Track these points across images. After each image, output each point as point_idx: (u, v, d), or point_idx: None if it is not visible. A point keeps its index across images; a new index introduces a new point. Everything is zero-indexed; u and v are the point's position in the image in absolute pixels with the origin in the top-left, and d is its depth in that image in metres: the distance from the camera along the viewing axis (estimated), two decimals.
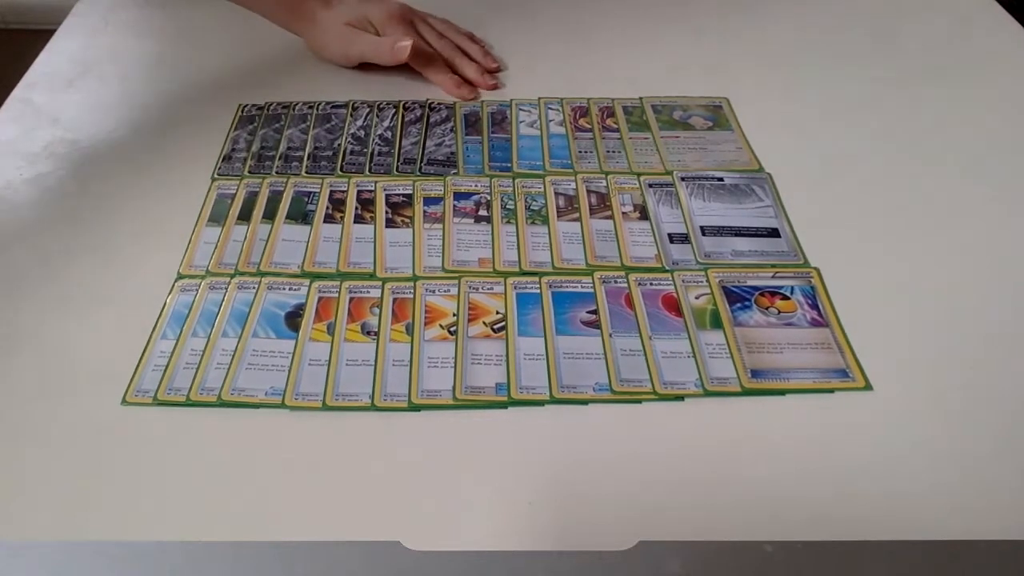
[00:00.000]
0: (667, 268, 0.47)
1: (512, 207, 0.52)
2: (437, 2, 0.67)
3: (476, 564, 0.34)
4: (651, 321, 0.44)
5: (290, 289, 0.46)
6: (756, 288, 0.46)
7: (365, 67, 0.64)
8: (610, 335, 0.43)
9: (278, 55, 0.66)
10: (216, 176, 0.54)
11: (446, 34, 0.65)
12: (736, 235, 0.49)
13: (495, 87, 0.63)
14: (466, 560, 0.34)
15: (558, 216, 0.51)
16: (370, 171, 0.55)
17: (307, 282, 0.46)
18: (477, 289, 0.46)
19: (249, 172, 0.55)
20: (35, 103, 0.62)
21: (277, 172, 0.55)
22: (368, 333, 0.44)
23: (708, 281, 0.46)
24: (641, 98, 0.61)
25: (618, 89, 0.62)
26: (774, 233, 0.50)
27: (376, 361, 0.42)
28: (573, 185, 0.53)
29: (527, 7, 0.72)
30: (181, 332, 0.44)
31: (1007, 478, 0.37)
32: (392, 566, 0.34)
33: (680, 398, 0.40)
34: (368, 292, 0.46)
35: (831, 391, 0.41)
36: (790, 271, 0.47)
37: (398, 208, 0.52)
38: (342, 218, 0.51)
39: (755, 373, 0.41)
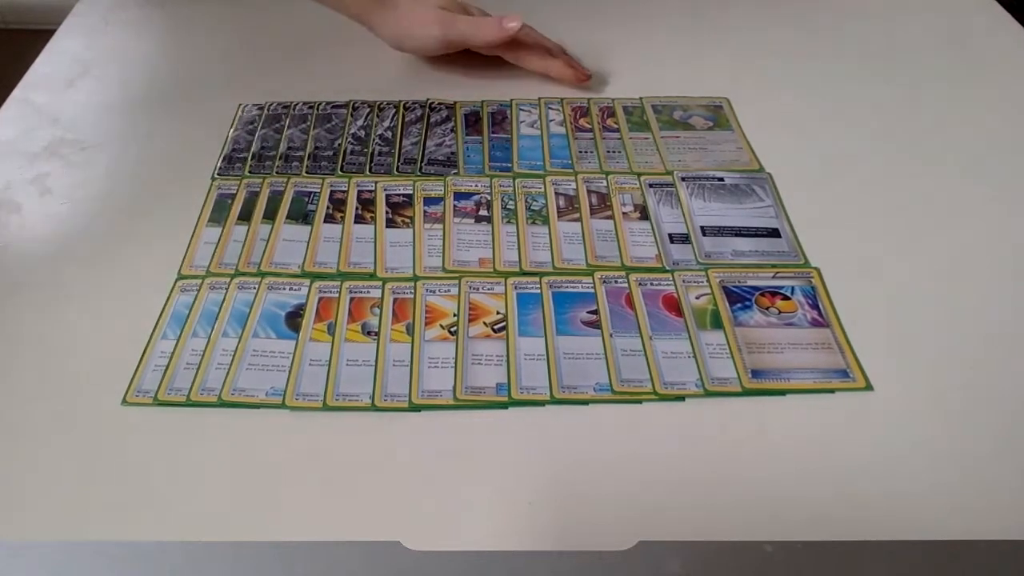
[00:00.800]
0: (667, 268, 0.47)
1: (512, 207, 0.52)
2: None
3: (476, 564, 0.34)
4: (651, 321, 0.44)
5: (290, 289, 0.46)
6: (756, 288, 0.46)
7: (366, 66, 0.64)
8: (610, 335, 0.43)
9: (278, 55, 0.66)
10: (216, 176, 0.54)
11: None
12: (736, 235, 0.49)
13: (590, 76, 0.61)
14: (466, 560, 0.34)
15: (558, 216, 0.51)
16: (370, 171, 0.55)
17: (307, 282, 0.46)
18: (477, 289, 0.46)
19: (249, 172, 0.55)
20: (35, 103, 0.62)
21: (277, 172, 0.55)
22: (368, 333, 0.44)
23: (708, 281, 0.46)
24: (641, 98, 0.61)
25: (618, 89, 0.62)
26: (774, 233, 0.50)
27: (376, 361, 0.42)
28: (573, 185, 0.53)
29: (527, 7, 0.72)
30: (181, 332, 0.44)
31: (1007, 478, 0.37)
32: (392, 566, 0.34)
33: (680, 398, 0.40)
34: (368, 292, 0.46)
35: (831, 391, 0.41)
36: (790, 271, 0.47)
37: (398, 208, 0.52)
38: (342, 218, 0.51)
39: (755, 373, 0.41)
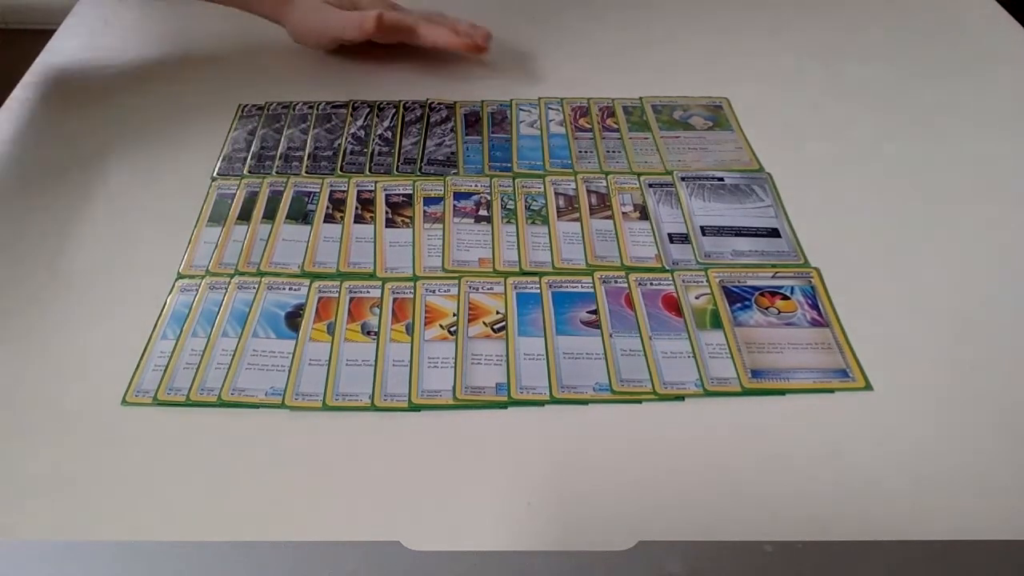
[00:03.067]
0: (667, 268, 0.47)
1: (512, 207, 0.52)
2: (439, 1, 0.67)
3: (476, 564, 0.34)
4: (651, 321, 0.44)
5: (290, 289, 0.46)
6: (756, 288, 0.46)
7: (366, 66, 0.64)
8: (610, 335, 0.43)
9: (278, 55, 0.66)
10: (216, 176, 0.54)
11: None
12: (736, 235, 0.49)
13: (485, 47, 0.60)
14: (466, 560, 0.34)
15: (558, 216, 0.51)
16: (370, 171, 0.55)
17: (307, 282, 0.46)
18: (477, 289, 0.46)
19: (249, 172, 0.55)
20: (35, 103, 0.62)
21: (277, 172, 0.55)
22: (368, 333, 0.44)
23: (708, 281, 0.46)
24: (641, 98, 0.61)
25: (618, 89, 0.62)
26: (774, 233, 0.50)
27: (376, 361, 0.42)
28: (573, 185, 0.53)
29: (527, 7, 0.72)
30: (181, 332, 0.44)
31: (1006, 478, 0.37)
32: (392, 566, 0.34)
33: (680, 398, 0.40)
34: (368, 292, 0.46)
35: (831, 391, 0.41)
36: (790, 271, 0.47)
37: (398, 208, 0.52)
38: (342, 218, 0.51)
39: (755, 373, 0.41)
